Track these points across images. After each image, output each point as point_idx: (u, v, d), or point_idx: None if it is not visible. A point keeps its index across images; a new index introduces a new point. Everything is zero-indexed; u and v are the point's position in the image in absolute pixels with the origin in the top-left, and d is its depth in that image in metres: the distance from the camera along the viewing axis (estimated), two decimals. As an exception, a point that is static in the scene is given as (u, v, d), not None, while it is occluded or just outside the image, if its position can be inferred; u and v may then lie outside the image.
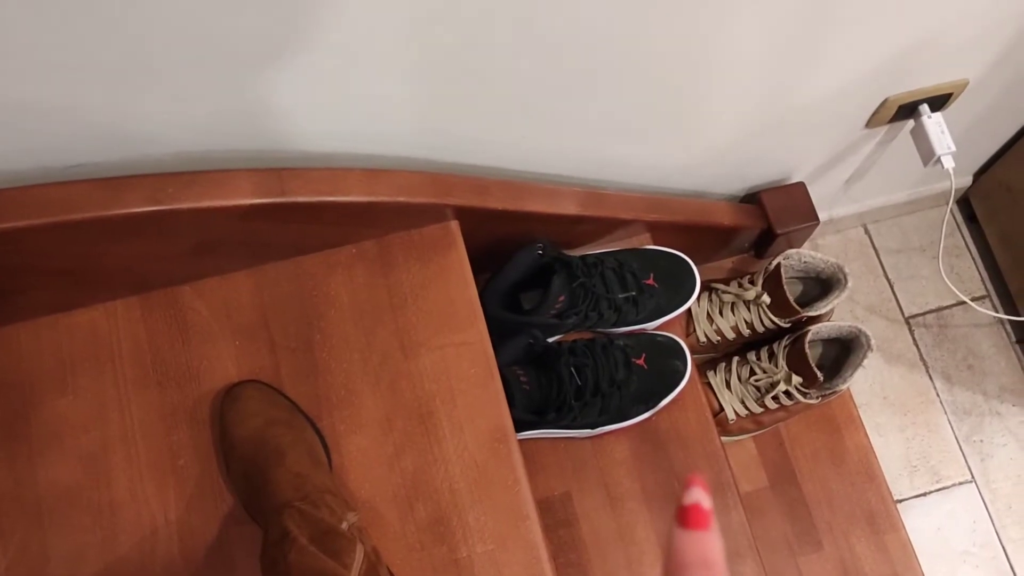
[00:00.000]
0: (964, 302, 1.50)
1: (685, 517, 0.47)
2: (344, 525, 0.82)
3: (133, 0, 0.66)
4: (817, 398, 1.30)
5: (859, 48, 1.04)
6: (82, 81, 0.73)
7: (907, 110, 1.22)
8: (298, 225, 0.96)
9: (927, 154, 1.25)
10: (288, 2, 0.71)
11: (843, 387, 1.29)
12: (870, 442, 1.45)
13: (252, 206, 0.88)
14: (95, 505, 0.94)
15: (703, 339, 1.36)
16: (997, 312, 1.69)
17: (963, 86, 1.20)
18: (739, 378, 1.35)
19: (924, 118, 1.22)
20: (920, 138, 1.25)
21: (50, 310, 0.98)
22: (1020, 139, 1.51)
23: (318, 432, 0.95)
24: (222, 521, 0.93)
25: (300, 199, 0.90)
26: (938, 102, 1.22)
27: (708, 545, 0.46)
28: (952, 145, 1.22)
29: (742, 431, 1.37)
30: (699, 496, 0.47)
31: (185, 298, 1.01)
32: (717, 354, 1.42)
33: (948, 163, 1.23)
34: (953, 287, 1.40)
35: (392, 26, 0.77)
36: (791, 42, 0.98)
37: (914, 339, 1.69)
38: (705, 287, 1.38)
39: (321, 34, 0.76)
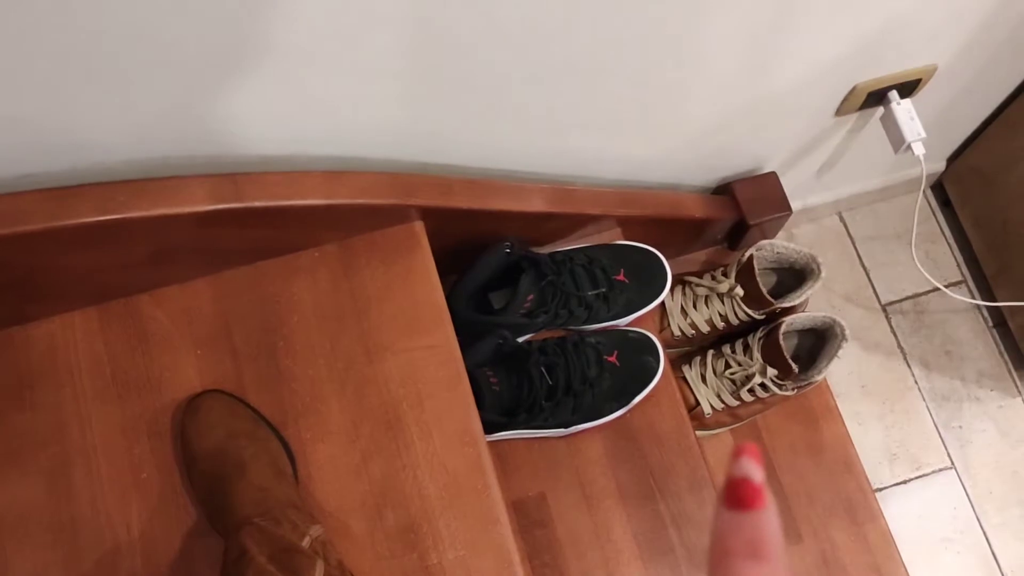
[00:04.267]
0: (940, 288, 1.49)
1: (732, 494, 0.38)
2: (306, 541, 0.80)
3: (74, 7, 0.64)
4: (793, 390, 1.29)
5: (826, 35, 1.03)
6: (25, 90, 0.71)
7: (876, 97, 1.21)
8: (257, 230, 0.94)
9: (897, 141, 1.24)
10: (236, 5, 0.69)
11: (818, 378, 1.28)
12: (848, 432, 1.44)
13: (207, 212, 0.86)
14: (56, 522, 0.92)
15: (677, 333, 1.35)
16: (973, 297, 1.69)
17: (932, 71, 1.19)
18: (714, 372, 1.33)
19: (894, 105, 1.21)
20: (890, 125, 1.24)
21: (4, 324, 0.96)
22: (991, 124, 1.50)
23: (283, 442, 0.93)
24: (186, 535, 0.91)
25: (257, 204, 0.88)
26: (907, 88, 1.21)
27: (759, 529, 0.38)
28: (922, 131, 1.22)
29: (719, 425, 1.36)
30: (749, 469, 0.39)
31: (144, 307, 0.99)
32: (692, 348, 1.41)
33: (918, 150, 1.22)
34: (927, 274, 1.39)
35: (348, 25, 0.76)
36: (758, 30, 0.97)
37: (891, 326, 1.68)
38: (678, 280, 1.37)
39: (273, 36, 0.74)
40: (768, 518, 0.38)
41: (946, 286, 1.68)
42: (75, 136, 0.80)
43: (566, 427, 1.13)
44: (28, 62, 0.68)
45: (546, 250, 1.17)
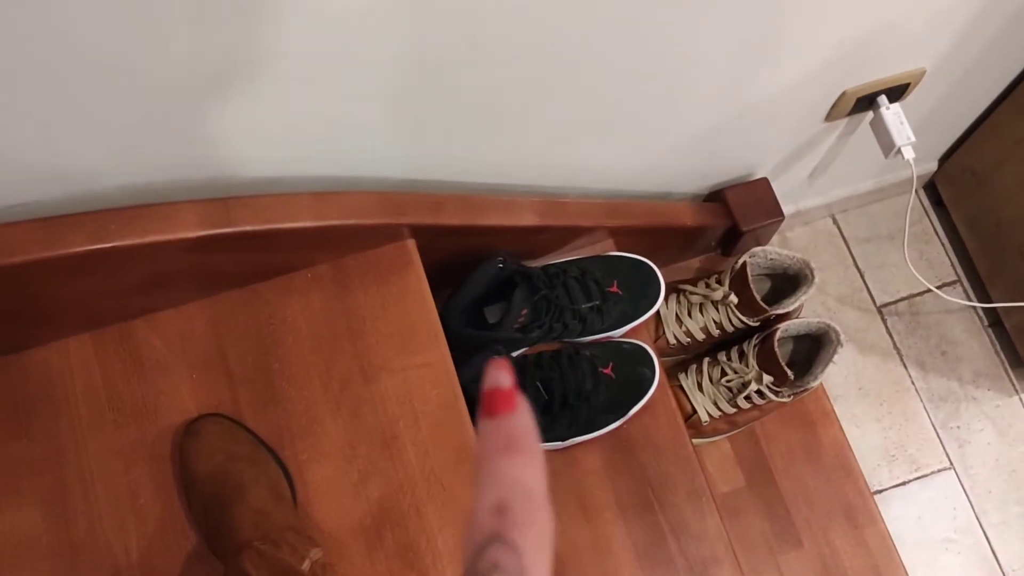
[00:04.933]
0: (933, 289, 1.49)
1: (487, 403, 0.41)
2: (306, 564, 0.81)
3: (59, 38, 0.64)
4: (789, 396, 1.29)
5: (814, 41, 1.03)
6: (11, 120, 0.72)
7: (866, 102, 1.22)
8: (249, 254, 0.94)
9: (887, 145, 1.24)
10: (222, 31, 0.69)
11: (814, 384, 1.28)
12: (845, 436, 1.44)
13: (199, 238, 0.86)
14: (55, 548, 0.91)
15: (673, 341, 1.35)
16: (968, 297, 1.69)
17: (920, 75, 1.20)
18: (710, 379, 1.34)
19: (883, 109, 1.22)
20: (880, 130, 1.24)
21: (-1, 353, 0.96)
22: (981, 124, 1.51)
23: (282, 465, 0.94)
24: (185, 560, 0.91)
25: (248, 228, 0.88)
26: (896, 92, 1.21)
27: (512, 429, 0.41)
28: (911, 135, 1.22)
29: (716, 432, 1.36)
30: (499, 378, 0.42)
31: (139, 332, 0.99)
32: (688, 355, 1.41)
33: (908, 154, 1.23)
34: (920, 276, 1.39)
35: (336, 47, 0.76)
36: (746, 39, 0.97)
37: (887, 328, 1.68)
38: (673, 288, 1.37)
39: (259, 59, 0.74)
40: (520, 418, 0.41)
41: (940, 286, 1.68)
42: (65, 164, 0.80)
43: (563, 440, 1.13)
44: (15, 92, 0.68)
45: (539, 263, 1.17)
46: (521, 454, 0.41)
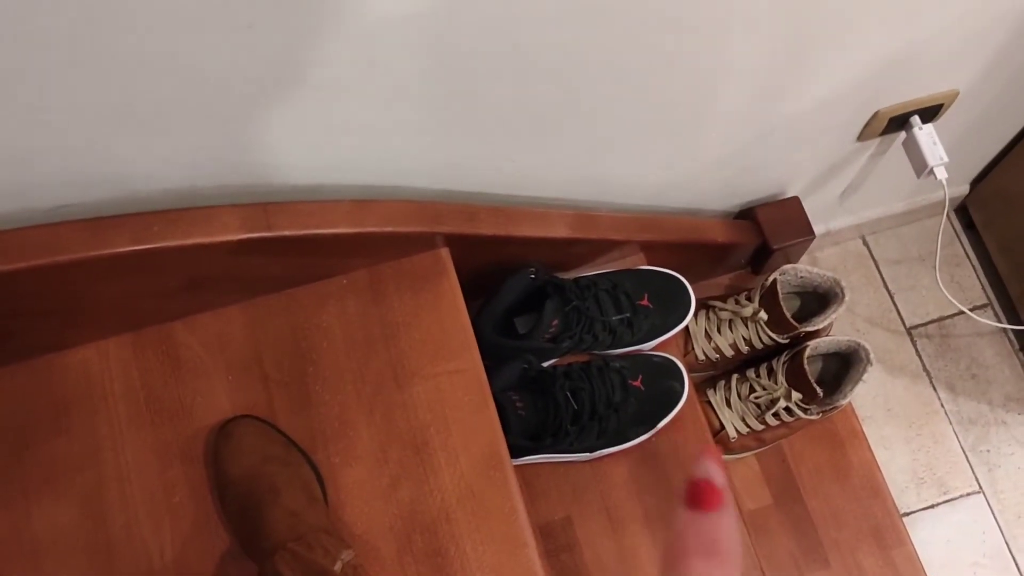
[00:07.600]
0: (965, 311, 1.48)
1: (693, 495, 0.40)
2: (338, 566, 0.82)
3: (111, 43, 0.66)
4: (818, 414, 1.29)
5: (847, 62, 1.04)
6: (64, 124, 0.73)
7: (898, 122, 1.22)
8: (287, 258, 0.96)
9: (920, 166, 1.24)
10: (269, 39, 0.71)
11: (843, 402, 1.28)
12: (874, 456, 1.43)
13: (239, 241, 0.88)
14: (91, 546, 0.93)
15: (701, 357, 1.36)
16: (1000, 320, 1.68)
17: (953, 96, 1.20)
18: (739, 395, 1.34)
19: (915, 130, 1.22)
20: (912, 150, 1.24)
21: (41, 351, 0.97)
22: (1015, 146, 1.50)
23: (314, 467, 0.95)
24: (219, 559, 0.92)
25: (286, 233, 0.89)
26: (929, 113, 1.22)
27: (718, 530, 0.39)
28: (944, 156, 1.22)
29: (744, 449, 1.36)
30: (711, 471, 0.40)
31: (177, 334, 1.00)
32: (716, 371, 1.41)
33: (941, 174, 1.23)
34: (952, 297, 1.39)
35: (376, 57, 0.77)
36: (780, 58, 0.98)
37: (916, 350, 1.68)
38: (702, 304, 1.38)
39: (304, 69, 0.76)
40: (725, 519, 0.40)
41: (971, 309, 1.67)
42: (111, 167, 0.81)
43: (591, 451, 1.14)
44: (70, 98, 0.70)
45: (570, 275, 1.18)
46: (722, 561, 0.39)
